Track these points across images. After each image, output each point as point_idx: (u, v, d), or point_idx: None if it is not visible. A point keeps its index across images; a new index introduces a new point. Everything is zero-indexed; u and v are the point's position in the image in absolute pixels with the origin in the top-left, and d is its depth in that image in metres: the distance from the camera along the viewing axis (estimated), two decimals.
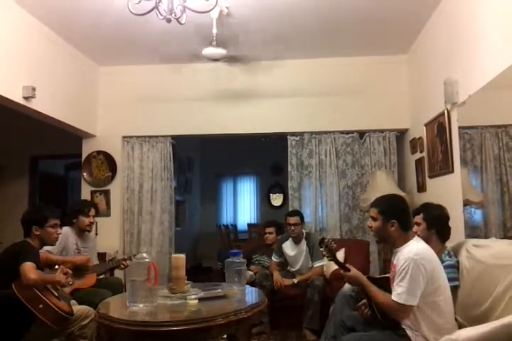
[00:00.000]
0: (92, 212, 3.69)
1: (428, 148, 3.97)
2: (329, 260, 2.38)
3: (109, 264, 3.62)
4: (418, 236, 2.67)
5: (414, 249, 2.16)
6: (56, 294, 2.69)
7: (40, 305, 2.50)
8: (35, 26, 3.81)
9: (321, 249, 2.36)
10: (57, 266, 3.00)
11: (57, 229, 2.94)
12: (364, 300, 2.40)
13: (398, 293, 2.08)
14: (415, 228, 2.71)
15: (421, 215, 2.71)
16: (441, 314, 2.13)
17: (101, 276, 3.67)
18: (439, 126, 3.65)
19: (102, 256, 4.20)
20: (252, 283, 3.67)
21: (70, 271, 2.80)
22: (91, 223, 3.68)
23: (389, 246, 2.53)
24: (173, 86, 4.98)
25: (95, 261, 3.74)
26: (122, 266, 3.56)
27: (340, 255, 3.90)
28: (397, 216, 2.25)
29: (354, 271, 2.32)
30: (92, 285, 3.39)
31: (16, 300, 2.47)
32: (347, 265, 2.36)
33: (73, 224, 3.62)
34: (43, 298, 2.53)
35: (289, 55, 4.75)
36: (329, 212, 4.80)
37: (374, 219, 2.31)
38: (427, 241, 2.64)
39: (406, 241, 2.23)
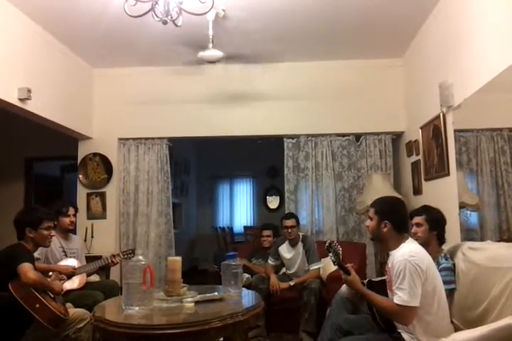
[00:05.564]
0: (71, 211, 3.63)
1: (424, 151, 3.98)
2: (335, 264, 2.39)
3: (98, 263, 3.52)
4: (418, 237, 2.66)
5: (408, 250, 2.16)
6: (52, 295, 2.68)
7: (37, 305, 2.49)
8: (31, 27, 3.80)
9: (329, 255, 2.38)
10: (50, 273, 2.97)
11: (51, 231, 2.92)
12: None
13: (400, 295, 2.07)
14: (415, 229, 2.70)
15: (423, 216, 2.70)
16: (436, 316, 2.13)
17: (96, 278, 3.63)
18: (434, 129, 3.66)
19: (97, 259, 4.15)
20: (248, 286, 3.66)
21: (65, 277, 2.78)
22: (72, 222, 3.63)
23: (384, 248, 2.54)
24: (169, 88, 4.97)
25: (83, 262, 3.66)
26: (112, 263, 3.51)
27: None
28: (391, 217, 2.27)
29: (353, 276, 2.34)
30: (83, 285, 3.34)
31: (12, 302, 2.46)
32: (348, 266, 2.38)
33: (55, 226, 3.57)
34: (40, 297, 2.52)
35: (286, 57, 4.75)
36: (325, 215, 4.80)
37: (371, 218, 2.36)
38: (426, 242, 2.64)
39: (399, 243, 2.23)
